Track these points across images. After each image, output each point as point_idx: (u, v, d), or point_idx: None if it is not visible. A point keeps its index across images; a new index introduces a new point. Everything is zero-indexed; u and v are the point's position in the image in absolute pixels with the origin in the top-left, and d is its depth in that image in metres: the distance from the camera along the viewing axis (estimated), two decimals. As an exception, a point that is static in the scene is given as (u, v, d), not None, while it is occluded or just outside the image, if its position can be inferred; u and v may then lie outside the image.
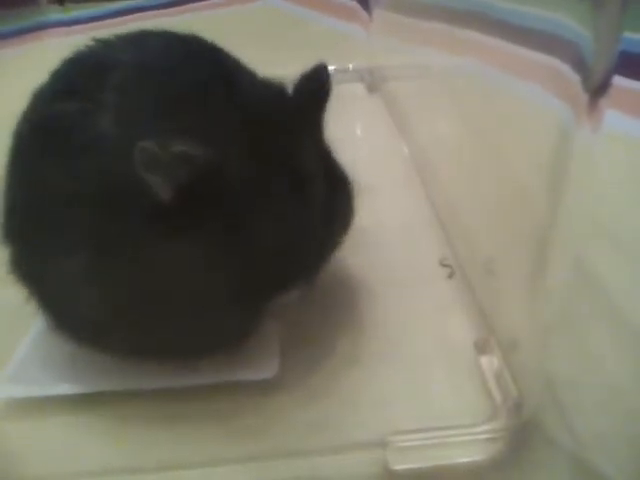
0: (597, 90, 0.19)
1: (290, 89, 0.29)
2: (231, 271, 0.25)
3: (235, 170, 0.25)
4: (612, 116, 0.23)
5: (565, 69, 0.20)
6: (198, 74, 0.27)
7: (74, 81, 0.27)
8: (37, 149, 0.26)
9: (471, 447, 0.26)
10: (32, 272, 0.28)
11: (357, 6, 0.65)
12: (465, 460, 0.26)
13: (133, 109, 0.25)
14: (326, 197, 0.28)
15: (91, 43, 0.28)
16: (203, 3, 0.78)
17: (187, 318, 0.26)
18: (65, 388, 0.28)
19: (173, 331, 0.26)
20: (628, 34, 0.19)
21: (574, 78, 0.20)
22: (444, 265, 0.36)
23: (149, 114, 0.25)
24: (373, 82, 0.59)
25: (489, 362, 0.29)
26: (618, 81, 0.20)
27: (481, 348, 0.30)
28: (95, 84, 0.26)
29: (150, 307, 0.26)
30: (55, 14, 0.60)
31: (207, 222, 0.24)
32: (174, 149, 0.23)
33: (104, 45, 0.28)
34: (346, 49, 0.63)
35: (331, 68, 0.64)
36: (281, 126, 0.27)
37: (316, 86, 0.30)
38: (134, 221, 0.24)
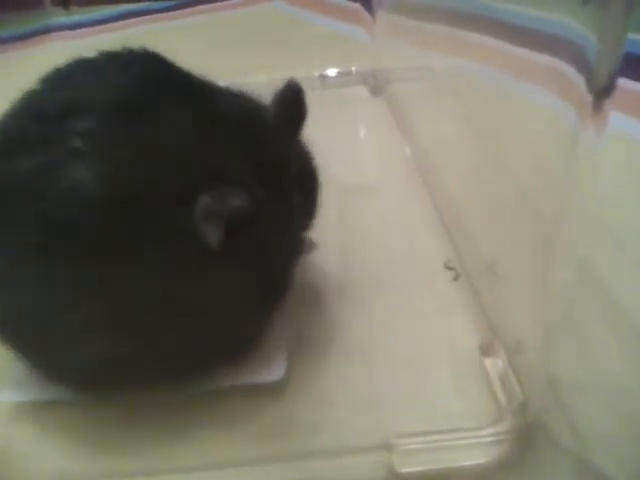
0: (601, 92, 0.19)
1: (264, 101, 0.30)
2: (254, 288, 0.27)
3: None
4: (616, 118, 0.23)
5: (569, 71, 0.20)
6: (172, 108, 0.25)
7: (27, 131, 0.24)
8: None
9: (476, 449, 0.26)
10: (20, 334, 0.26)
11: (360, 8, 0.65)
12: (471, 462, 0.26)
13: (111, 154, 0.23)
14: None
15: (38, 85, 0.26)
16: (207, 6, 0.78)
17: (206, 338, 0.26)
18: (72, 392, 0.28)
19: (192, 353, 0.26)
20: (632, 36, 0.19)
21: (578, 80, 0.20)
22: (449, 268, 0.36)
23: (134, 158, 0.24)
24: (376, 84, 0.59)
25: (494, 364, 0.29)
26: (622, 83, 0.20)
27: (486, 350, 0.30)
28: (56, 131, 0.24)
29: (177, 332, 0.25)
30: (59, 17, 0.60)
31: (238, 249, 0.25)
32: (232, 203, 0.24)
33: (53, 85, 0.26)
34: (349, 51, 0.62)
35: (334, 71, 0.64)
36: (273, 149, 0.28)
37: (294, 107, 0.30)
38: (143, 256, 0.24)
